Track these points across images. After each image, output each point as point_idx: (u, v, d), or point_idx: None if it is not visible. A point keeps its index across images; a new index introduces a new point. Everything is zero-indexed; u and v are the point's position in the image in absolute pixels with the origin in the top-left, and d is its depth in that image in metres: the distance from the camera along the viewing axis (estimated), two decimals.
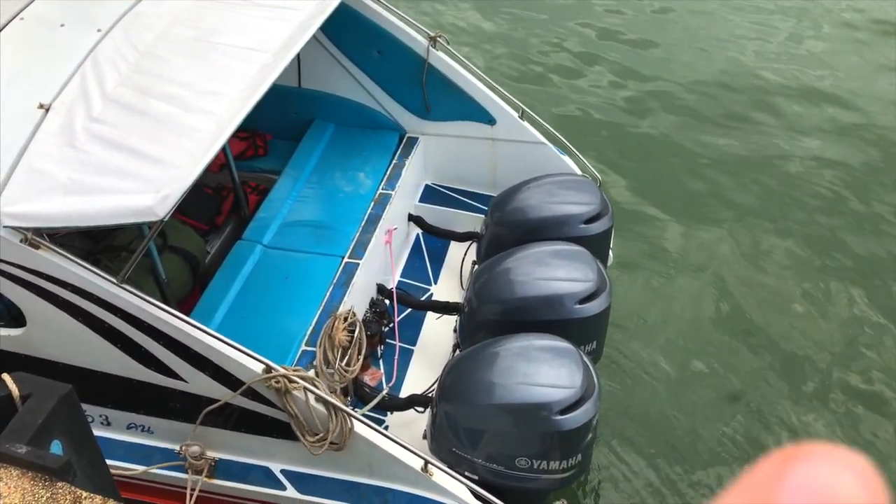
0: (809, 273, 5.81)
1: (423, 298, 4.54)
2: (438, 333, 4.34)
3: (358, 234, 4.33)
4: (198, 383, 3.25)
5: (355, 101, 5.08)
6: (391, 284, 4.47)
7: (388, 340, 4.22)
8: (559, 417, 3.15)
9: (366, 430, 3.21)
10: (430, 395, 3.61)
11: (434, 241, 4.91)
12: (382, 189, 4.67)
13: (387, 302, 4.35)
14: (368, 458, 3.26)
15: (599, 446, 4.45)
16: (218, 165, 4.90)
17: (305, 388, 3.11)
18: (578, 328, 3.65)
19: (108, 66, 3.54)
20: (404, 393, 3.93)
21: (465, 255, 4.63)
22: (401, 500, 3.25)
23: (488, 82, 4.88)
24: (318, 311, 3.85)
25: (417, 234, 4.97)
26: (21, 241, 3.08)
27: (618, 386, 4.95)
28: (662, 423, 4.81)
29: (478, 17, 8.94)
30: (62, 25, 3.83)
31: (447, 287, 4.67)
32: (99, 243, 4.32)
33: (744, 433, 4.76)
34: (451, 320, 4.28)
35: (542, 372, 3.24)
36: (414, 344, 4.30)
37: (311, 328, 3.77)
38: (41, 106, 3.32)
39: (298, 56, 4.53)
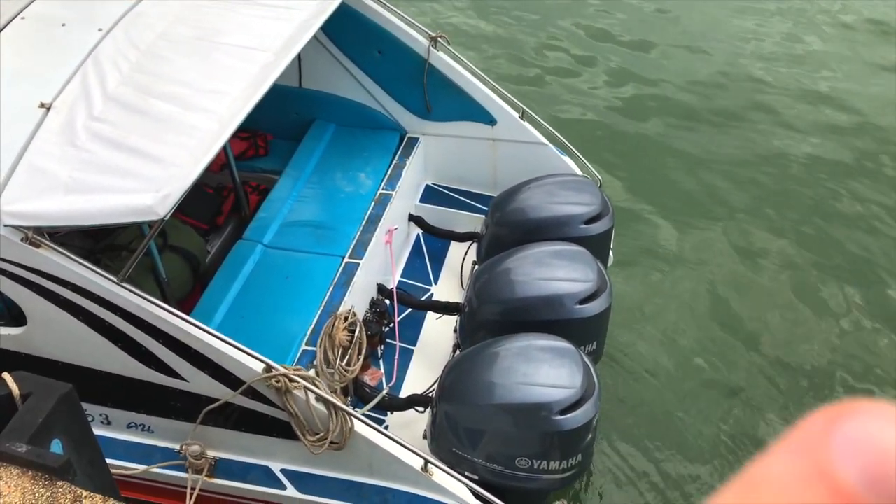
0: (806, 271, 5.83)
1: (423, 298, 4.54)
2: (439, 333, 4.34)
3: (358, 234, 4.34)
4: (198, 382, 3.25)
5: (356, 101, 5.08)
6: (391, 284, 4.48)
7: (388, 340, 4.22)
8: (559, 417, 3.15)
9: (366, 429, 3.21)
10: (430, 395, 3.61)
11: (434, 242, 4.91)
12: (383, 189, 4.67)
13: (387, 302, 4.35)
14: (369, 457, 3.26)
15: (600, 446, 4.45)
16: (218, 165, 4.90)
17: (306, 388, 3.11)
18: (579, 328, 3.65)
19: (109, 66, 3.54)
20: (404, 393, 3.93)
21: (466, 255, 4.63)
22: (401, 500, 3.26)
23: (489, 82, 4.88)
24: (319, 311, 3.85)
25: (418, 235, 4.97)
26: (22, 239, 3.08)
27: (618, 386, 4.95)
28: (663, 423, 4.81)
29: (474, 16, 8.94)
30: (63, 25, 3.83)
31: (447, 287, 4.67)
32: (99, 242, 4.32)
33: (745, 431, 4.77)
34: (451, 320, 4.28)
35: (542, 372, 3.24)
36: (414, 344, 4.30)
37: (311, 328, 3.77)
38: (42, 105, 3.32)
39: (299, 56, 4.53)
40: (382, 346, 4.17)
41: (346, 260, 4.17)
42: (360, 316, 3.94)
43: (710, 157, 6.92)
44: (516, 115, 4.76)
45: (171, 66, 3.57)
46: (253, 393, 3.19)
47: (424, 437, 3.55)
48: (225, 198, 5.02)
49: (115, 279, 3.10)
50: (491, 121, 4.78)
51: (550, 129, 4.87)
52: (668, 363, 5.14)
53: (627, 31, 8.72)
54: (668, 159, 6.92)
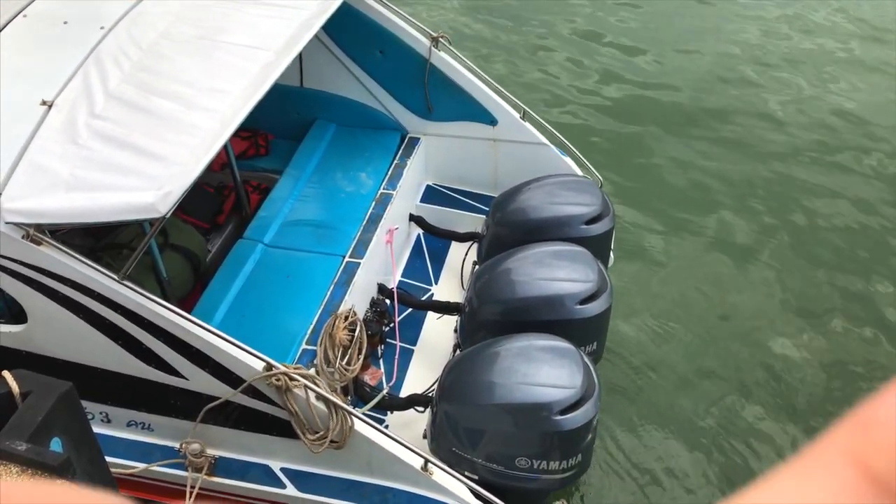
0: (803, 267, 5.85)
1: (423, 298, 4.54)
2: (439, 333, 4.34)
3: (359, 234, 4.34)
4: (198, 381, 3.25)
5: (357, 101, 5.09)
6: (392, 284, 4.48)
7: (388, 340, 4.22)
8: (559, 417, 3.15)
9: (366, 428, 3.21)
10: (430, 394, 3.61)
11: (435, 242, 4.91)
12: (384, 189, 4.67)
13: (387, 302, 4.35)
14: (368, 456, 3.26)
15: (599, 446, 4.45)
16: (219, 164, 4.90)
17: (306, 387, 3.11)
18: (579, 329, 3.65)
19: (110, 64, 3.55)
20: (404, 393, 3.93)
21: (466, 255, 4.63)
22: (401, 499, 3.26)
23: (490, 83, 4.88)
24: (319, 311, 3.85)
25: (418, 234, 4.97)
26: (23, 237, 3.08)
27: (618, 386, 4.95)
28: (663, 423, 4.81)
29: (471, 17, 8.94)
30: (65, 23, 3.84)
31: (448, 287, 4.67)
32: (100, 241, 4.32)
33: (746, 431, 4.77)
34: (451, 320, 4.28)
35: (542, 372, 3.24)
36: (414, 344, 4.30)
37: (311, 327, 3.77)
38: (44, 103, 3.33)
39: (300, 56, 4.53)
40: (383, 346, 4.17)
41: (347, 259, 4.17)
42: (361, 315, 3.94)
43: (708, 157, 6.94)
44: (517, 115, 4.76)
45: (172, 64, 3.58)
46: (253, 391, 3.20)
47: (424, 436, 3.55)
48: (226, 197, 5.03)
49: (115, 277, 3.10)
50: (492, 121, 4.78)
51: (551, 129, 4.88)
52: (668, 364, 5.14)
53: (626, 34, 8.72)
54: (665, 159, 6.93)
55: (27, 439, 2.34)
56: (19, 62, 3.60)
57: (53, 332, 3.34)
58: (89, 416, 3.44)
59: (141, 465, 3.51)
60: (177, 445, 3.46)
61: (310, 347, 3.68)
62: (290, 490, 3.40)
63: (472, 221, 4.81)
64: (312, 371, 3.39)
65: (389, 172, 4.79)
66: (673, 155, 6.99)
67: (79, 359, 3.37)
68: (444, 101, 4.85)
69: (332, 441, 3.17)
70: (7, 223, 3.06)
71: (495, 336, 3.52)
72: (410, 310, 4.42)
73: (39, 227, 3.10)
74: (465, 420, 3.31)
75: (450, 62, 4.71)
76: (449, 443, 3.35)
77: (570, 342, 3.35)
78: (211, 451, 3.46)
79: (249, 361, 3.14)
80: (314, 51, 4.88)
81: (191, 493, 3.40)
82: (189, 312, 3.27)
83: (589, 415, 3.19)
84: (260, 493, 3.46)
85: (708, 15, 9.05)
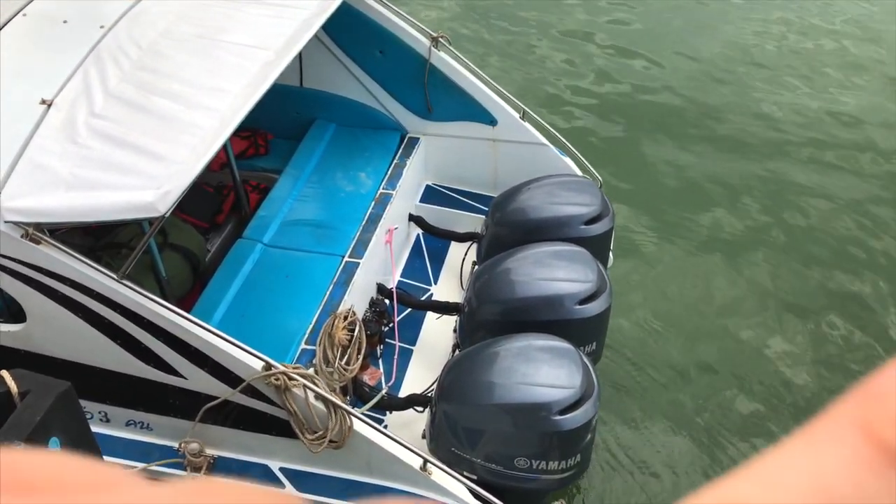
0: (799, 266, 5.86)
1: (423, 298, 4.54)
2: (438, 333, 4.33)
3: (358, 234, 4.33)
4: (197, 380, 3.24)
5: (357, 100, 5.08)
6: (391, 284, 4.47)
7: (387, 340, 4.22)
8: (558, 417, 3.14)
9: (365, 428, 3.21)
10: (429, 394, 3.61)
11: (434, 242, 4.91)
12: (383, 189, 4.67)
13: (387, 301, 4.35)
14: (367, 456, 3.26)
15: (599, 446, 4.44)
16: (219, 164, 4.90)
17: (305, 386, 3.11)
18: (578, 329, 3.65)
19: (110, 63, 3.54)
20: (403, 393, 3.93)
21: (466, 255, 4.63)
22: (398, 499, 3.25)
23: (490, 83, 4.88)
24: (318, 310, 3.85)
25: (418, 234, 4.97)
26: (22, 236, 3.08)
27: (617, 386, 4.95)
28: (663, 422, 4.81)
29: (468, 16, 8.94)
30: (65, 22, 3.84)
31: (447, 287, 4.67)
32: (100, 240, 4.32)
33: (746, 428, 4.77)
34: (450, 320, 4.28)
35: (541, 372, 3.24)
36: (413, 344, 4.30)
37: (310, 327, 3.77)
38: (43, 101, 3.32)
39: (300, 55, 4.53)
40: (382, 346, 4.17)
41: (346, 259, 4.17)
42: (360, 315, 3.93)
43: (704, 157, 6.95)
44: (517, 115, 4.76)
45: (172, 63, 3.58)
46: (252, 391, 3.19)
47: (423, 436, 3.54)
48: (225, 196, 5.02)
49: (115, 276, 3.10)
50: (492, 121, 4.78)
51: (551, 129, 4.88)
52: (667, 364, 5.14)
53: (624, 34, 8.72)
54: (663, 158, 6.94)
55: (25, 439, 2.34)
56: (19, 61, 3.60)
57: (52, 331, 3.34)
58: (88, 416, 3.44)
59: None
60: (176, 445, 3.46)
61: (309, 347, 3.68)
62: (289, 490, 3.39)
63: (472, 221, 4.81)
64: (311, 371, 3.39)
65: (389, 172, 4.79)
66: (670, 154, 6.99)
67: (78, 358, 3.37)
68: (443, 101, 4.84)
69: (331, 441, 3.17)
70: (6, 222, 3.06)
71: (494, 336, 3.52)
72: (410, 310, 4.41)
73: (39, 227, 3.10)
74: (464, 420, 3.31)
75: (449, 62, 4.70)
76: (448, 443, 3.35)
77: (569, 342, 3.35)
78: (210, 451, 3.45)
79: (248, 361, 3.13)
80: (314, 50, 4.88)
81: None
82: (188, 312, 3.27)
83: (588, 415, 3.18)
84: None
85: (705, 16, 9.05)
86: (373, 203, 4.56)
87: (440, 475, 3.21)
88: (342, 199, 4.64)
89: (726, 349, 5.27)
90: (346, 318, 3.70)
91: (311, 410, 3.15)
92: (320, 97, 5.16)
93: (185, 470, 3.45)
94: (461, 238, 4.75)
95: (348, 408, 3.21)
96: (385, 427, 3.68)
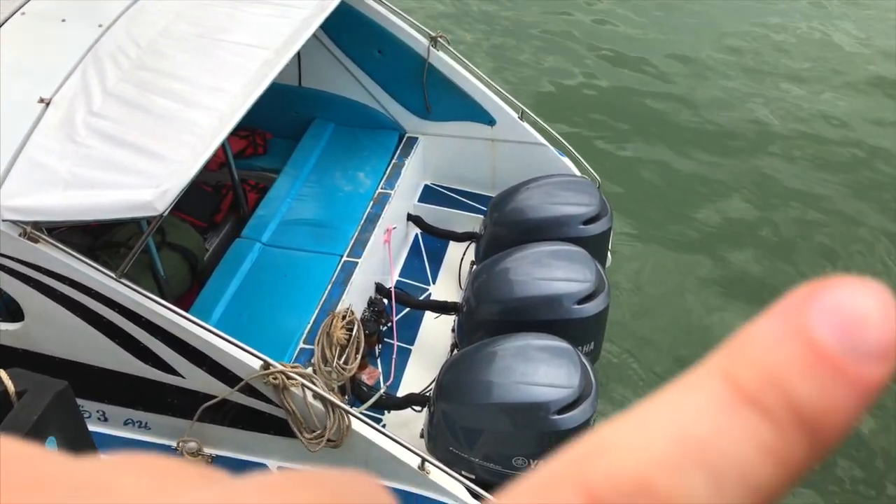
0: (797, 268, 5.87)
1: (421, 298, 4.54)
2: (436, 333, 4.34)
3: (357, 233, 4.33)
4: (195, 379, 3.24)
5: (355, 100, 5.08)
6: (390, 284, 4.47)
7: (386, 339, 4.22)
8: (556, 417, 3.15)
9: (363, 427, 3.21)
10: (427, 394, 3.61)
11: (433, 241, 4.91)
12: (382, 188, 4.67)
13: (385, 301, 4.35)
14: (365, 455, 3.26)
15: None
16: (217, 163, 4.90)
17: (303, 385, 3.11)
18: (576, 328, 3.65)
19: (109, 62, 3.54)
20: (402, 392, 3.93)
21: (464, 255, 4.63)
22: (397, 499, 3.25)
23: (489, 83, 4.88)
24: (317, 310, 3.85)
25: (416, 234, 4.97)
26: (20, 235, 3.08)
27: (616, 385, 4.96)
28: None
29: (466, 16, 8.96)
30: (63, 20, 3.84)
31: (445, 287, 4.67)
32: (98, 239, 4.31)
33: None
34: (449, 320, 4.28)
35: (539, 372, 3.24)
36: (412, 343, 4.30)
37: (309, 326, 3.77)
38: (42, 100, 3.32)
39: (299, 55, 4.53)
40: (380, 346, 4.17)
41: (345, 259, 4.17)
42: (358, 315, 3.94)
43: (701, 157, 6.96)
44: (515, 115, 4.76)
45: (171, 62, 3.58)
46: (250, 390, 3.19)
47: (422, 436, 3.55)
48: (223, 196, 5.02)
49: (113, 275, 3.10)
50: (490, 121, 4.78)
51: (550, 129, 4.88)
52: (666, 364, 5.14)
53: (622, 35, 8.74)
54: (661, 158, 6.95)
55: (22, 438, 2.33)
56: (17, 60, 3.59)
57: (50, 330, 3.33)
58: (86, 415, 3.44)
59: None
60: (174, 444, 3.46)
61: (307, 346, 3.68)
62: None
63: (470, 221, 4.81)
64: (310, 370, 3.39)
65: (387, 172, 4.79)
66: (668, 154, 7.00)
67: (76, 357, 3.37)
68: (442, 100, 4.85)
69: (329, 440, 3.17)
70: (4, 220, 3.06)
71: (493, 336, 3.52)
72: (408, 309, 4.42)
73: (37, 225, 3.10)
74: (462, 419, 3.31)
75: (448, 62, 4.71)
76: (446, 442, 3.35)
77: (567, 342, 3.35)
78: (208, 450, 3.45)
79: (247, 360, 3.13)
80: (313, 50, 4.88)
81: None
82: (186, 311, 3.27)
83: (586, 414, 3.19)
84: None
85: (705, 18, 9.06)
86: (371, 203, 4.56)
87: (438, 474, 3.21)
88: (341, 199, 4.64)
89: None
90: (344, 317, 3.70)
91: (310, 409, 3.15)
92: (319, 97, 5.16)
93: None
94: (460, 238, 4.75)
95: (346, 407, 3.21)
96: (383, 426, 3.68)
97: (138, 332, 3.19)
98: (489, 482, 3.26)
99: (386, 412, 3.85)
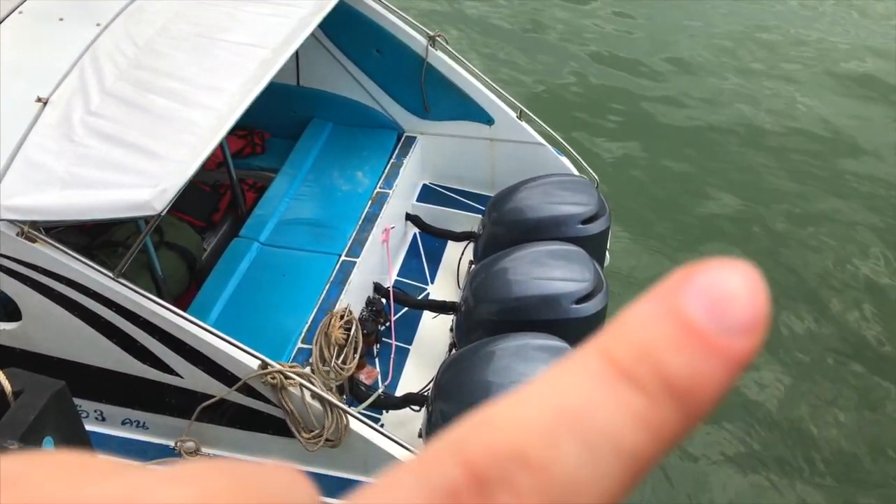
0: (792, 267, 5.90)
1: (419, 297, 4.54)
2: (435, 332, 4.33)
3: (355, 233, 4.33)
4: (193, 379, 3.24)
5: (354, 99, 5.08)
6: (388, 283, 4.47)
7: (384, 339, 4.21)
8: None
9: (362, 427, 3.21)
10: (425, 393, 3.61)
11: (431, 241, 4.90)
12: (380, 188, 4.67)
13: (383, 301, 4.34)
14: (364, 455, 3.26)
15: None
16: (215, 163, 4.89)
17: (301, 385, 3.11)
18: (575, 328, 3.64)
19: (106, 61, 3.54)
20: (400, 392, 3.93)
21: (462, 254, 4.63)
22: None
23: (487, 82, 4.88)
24: (315, 309, 3.84)
25: (415, 234, 4.97)
26: (18, 234, 3.07)
27: None
28: None
29: (463, 16, 8.95)
30: (61, 19, 3.83)
31: (444, 286, 4.67)
32: (96, 239, 4.31)
33: (743, 434, 4.77)
34: (447, 319, 4.28)
35: (538, 372, 3.10)
36: (410, 343, 4.30)
37: (307, 326, 3.77)
38: (39, 99, 3.32)
39: (297, 54, 4.53)
40: (378, 345, 4.17)
41: (343, 258, 4.16)
42: (357, 314, 3.93)
43: (698, 157, 6.97)
44: (514, 115, 4.76)
45: (169, 61, 3.57)
46: (248, 390, 3.19)
47: (420, 435, 3.54)
48: (221, 195, 5.01)
49: (110, 274, 3.10)
50: (489, 120, 4.78)
51: (548, 129, 4.88)
52: None
53: (622, 36, 8.74)
54: (659, 159, 6.96)
55: (19, 438, 2.33)
56: (15, 59, 3.59)
57: (48, 329, 3.33)
58: (84, 415, 3.44)
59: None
60: (172, 444, 3.45)
61: (305, 346, 3.67)
62: None
63: (469, 221, 4.80)
64: (308, 370, 3.39)
65: (386, 171, 4.79)
66: (668, 155, 7.01)
67: (73, 356, 3.36)
68: (440, 100, 4.84)
69: (327, 440, 3.17)
70: (2, 220, 3.05)
71: (491, 335, 3.52)
72: (406, 309, 4.41)
73: (34, 225, 3.09)
74: (460, 419, 3.30)
75: (447, 61, 4.70)
76: None
77: (565, 341, 3.35)
78: (206, 450, 3.45)
79: (245, 360, 3.13)
80: (311, 49, 4.87)
81: None
82: (184, 310, 3.26)
83: None
84: None
85: (699, 18, 9.06)
86: (369, 202, 4.56)
87: None
88: (339, 198, 4.64)
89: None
90: (342, 316, 3.70)
91: (308, 409, 3.14)
92: (317, 96, 5.16)
93: None
94: (458, 237, 4.75)
95: (345, 407, 3.21)
96: (381, 426, 3.68)
97: (136, 331, 3.18)
98: None
99: (384, 412, 3.85)
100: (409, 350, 4.26)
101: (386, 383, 4.02)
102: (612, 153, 6.94)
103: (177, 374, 3.26)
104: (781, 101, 7.75)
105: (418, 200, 5.05)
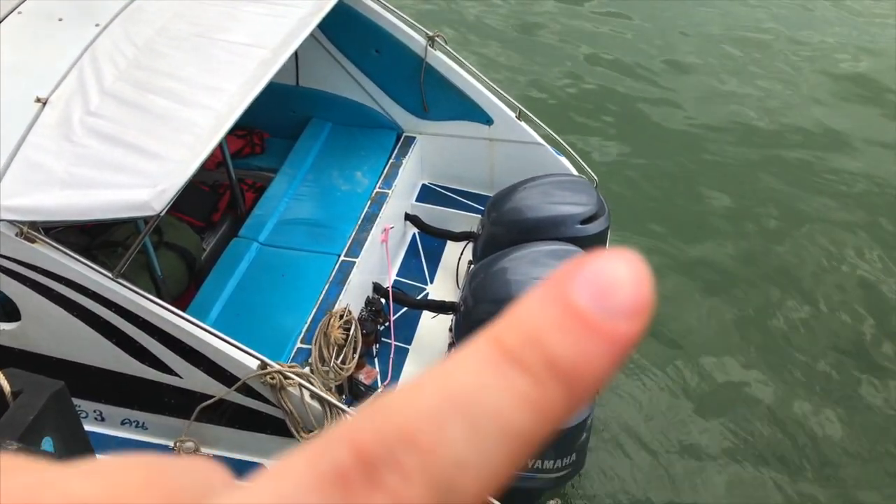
0: (790, 266, 5.90)
1: (418, 297, 4.54)
2: (434, 333, 4.33)
3: (354, 233, 4.33)
4: (193, 379, 3.24)
5: (353, 99, 5.08)
6: (387, 283, 4.47)
7: (383, 339, 4.22)
8: None
9: None
10: None
11: (430, 241, 4.91)
12: (379, 188, 4.67)
13: (382, 301, 4.34)
14: None
15: (594, 446, 4.45)
16: (215, 163, 4.89)
17: (301, 385, 3.11)
18: None
19: (105, 61, 3.54)
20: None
21: (462, 254, 4.63)
22: None
23: (486, 82, 4.88)
24: (314, 309, 3.84)
25: (414, 234, 4.97)
26: (17, 234, 3.07)
27: (613, 385, 4.96)
28: (657, 423, 4.81)
29: (462, 15, 8.95)
30: (60, 20, 3.83)
31: (443, 286, 4.67)
32: (95, 239, 4.31)
33: (741, 432, 4.78)
34: (446, 320, 4.28)
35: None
36: (409, 343, 4.30)
37: (306, 326, 3.77)
38: (38, 100, 3.32)
39: (296, 54, 4.53)
40: (378, 345, 4.17)
41: (342, 258, 4.17)
42: (356, 314, 3.93)
43: (697, 157, 6.98)
44: (513, 115, 4.76)
45: (168, 61, 3.57)
46: (247, 390, 3.19)
47: None
48: (221, 195, 5.01)
49: (110, 275, 3.10)
50: (488, 121, 4.78)
51: (547, 129, 4.88)
52: (663, 364, 5.15)
53: (620, 38, 8.74)
54: (658, 159, 6.96)
55: (18, 439, 2.33)
56: (14, 59, 3.59)
57: (47, 329, 3.33)
58: (83, 415, 3.44)
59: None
60: (171, 444, 3.45)
61: (304, 346, 3.67)
62: None
63: (468, 221, 4.80)
64: (307, 370, 3.39)
65: (385, 171, 4.79)
66: (664, 155, 7.01)
67: (73, 357, 3.37)
68: (439, 100, 4.84)
69: None
70: (1, 220, 3.05)
71: None
72: (405, 309, 4.41)
73: (34, 225, 3.09)
74: None
75: (446, 61, 4.70)
76: None
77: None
78: (205, 450, 3.45)
79: (244, 360, 3.13)
80: (310, 49, 4.87)
81: None
82: (184, 311, 3.27)
83: (583, 414, 3.19)
84: None
85: (701, 20, 9.06)
86: (369, 202, 4.56)
87: None
88: (338, 198, 4.64)
89: (723, 346, 5.28)
90: (341, 316, 3.70)
91: (307, 409, 3.14)
92: (316, 96, 5.16)
93: None
94: (457, 237, 4.75)
95: (344, 407, 3.21)
96: None
97: (135, 331, 3.18)
98: None
99: None
100: (408, 350, 4.26)
101: (385, 383, 4.02)
102: (609, 154, 6.94)
103: (176, 375, 3.26)
104: (776, 100, 7.75)
105: (417, 200, 5.05)
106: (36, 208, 3.05)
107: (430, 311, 4.39)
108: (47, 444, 2.45)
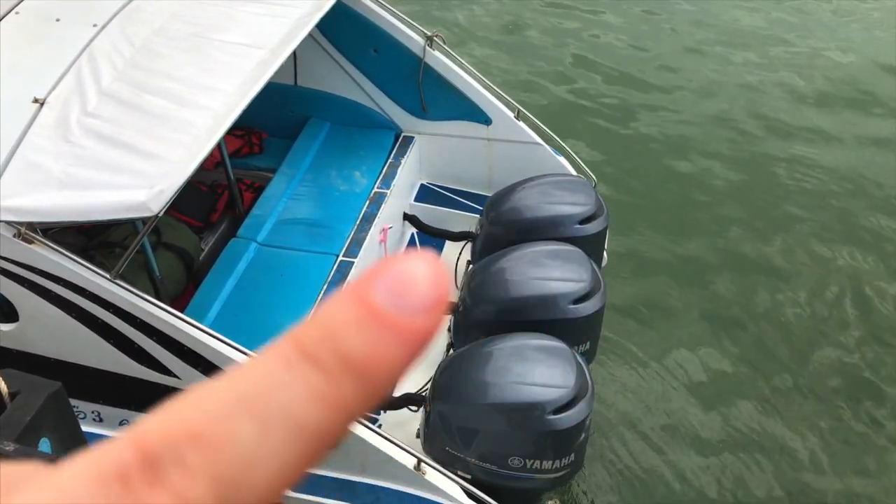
0: (793, 266, 5.90)
1: None
2: None
3: (353, 233, 4.33)
4: (191, 380, 3.23)
5: (351, 99, 5.08)
6: None
7: None
8: (552, 417, 3.15)
9: (359, 428, 3.20)
10: (423, 394, 3.61)
11: (429, 241, 4.90)
12: (378, 188, 4.67)
13: None
14: (361, 456, 3.25)
15: (592, 446, 4.45)
16: (213, 163, 4.88)
17: None
18: (572, 328, 3.65)
19: (103, 61, 3.53)
20: (398, 392, 3.92)
21: (460, 254, 4.63)
22: (393, 499, 3.25)
23: (484, 82, 4.88)
24: (313, 310, 3.84)
25: (412, 234, 4.97)
26: (14, 235, 3.07)
27: (612, 386, 4.96)
28: (657, 422, 4.81)
29: (460, 15, 8.94)
30: (58, 20, 3.82)
31: None
32: (93, 240, 4.30)
33: (739, 432, 4.78)
34: (445, 320, 4.27)
35: (535, 371, 3.24)
36: None
37: None
38: (36, 100, 3.31)
39: (295, 54, 4.52)
40: None
41: (341, 258, 4.16)
42: None
43: (696, 158, 6.97)
44: (511, 114, 4.76)
45: (166, 62, 3.56)
46: None
47: (418, 436, 3.54)
48: (219, 195, 5.01)
49: (108, 276, 3.09)
50: (486, 120, 4.78)
51: (546, 129, 4.88)
52: (662, 364, 5.15)
53: (621, 38, 8.74)
54: (658, 159, 6.96)
55: (15, 440, 2.32)
56: (11, 59, 3.58)
57: (45, 330, 3.32)
58: (81, 416, 3.44)
59: None
60: None
61: None
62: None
63: (467, 221, 4.80)
64: None
65: (383, 171, 4.79)
66: (665, 155, 7.01)
67: (70, 358, 3.36)
68: (438, 100, 4.84)
69: None
70: None
71: (489, 335, 3.52)
72: None
73: (31, 226, 3.09)
74: (458, 419, 3.31)
75: (444, 61, 4.70)
76: (442, 442, 3.35)
77: (563, 342, 3.35)
78: None
79: (242, 360, 3.12)
80: (309, 49, 4.87)
81: None
82: (182, 311, 3.26)
83: (582, 414, 3.19)
84: None
85: (698, 23, 9.05)
86: (367, 202, 4.55)
87: (434, 475, 3.20)
88: (337, 198, 4.64)
89: (722, 347, 5.28)
90: None
91: None
92: (315, 96, 5.15)
93: None
94: (456, 237, 4.75)
95: None
96: (379, 426, 3.68)
97: (133, 332, 3.18)
98: (485, 482, 3.26)
99: (382, 412, 3.85)
100: None
101: None
102: (606, 154, 6.94)
103: (174, 376, 3.26)
104: (774, 100, 7.75)
105: (416, 200, 5.05)
106: (33, 209, 3.04)
107: None
108: (45, 445, 2.45)
